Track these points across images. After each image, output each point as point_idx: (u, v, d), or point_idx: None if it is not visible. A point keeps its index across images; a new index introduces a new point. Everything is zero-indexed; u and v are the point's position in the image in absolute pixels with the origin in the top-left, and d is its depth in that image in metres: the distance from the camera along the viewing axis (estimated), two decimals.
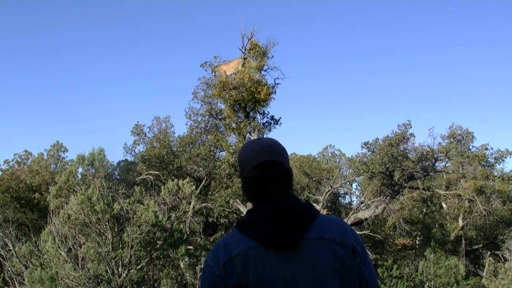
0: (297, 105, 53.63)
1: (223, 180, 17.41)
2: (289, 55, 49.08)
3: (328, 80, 59.40)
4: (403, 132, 17.59)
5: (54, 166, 25.04)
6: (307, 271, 1.65)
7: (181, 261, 12.26)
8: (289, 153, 2.07)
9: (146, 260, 10.71)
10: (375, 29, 60.76)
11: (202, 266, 1.83)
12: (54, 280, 9.61)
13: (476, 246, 24.65)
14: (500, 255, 20.94)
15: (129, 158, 23.42)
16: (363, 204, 19.89)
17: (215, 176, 17.91)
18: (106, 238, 10.12)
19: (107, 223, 10.04)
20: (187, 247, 12.21)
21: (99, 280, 9.79)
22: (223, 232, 18.91)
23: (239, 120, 17.01)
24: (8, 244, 11.75)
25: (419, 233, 25.45)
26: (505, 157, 20.89)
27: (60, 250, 9.96)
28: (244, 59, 16.71)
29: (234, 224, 2.28)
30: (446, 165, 19.47)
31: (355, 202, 26.00)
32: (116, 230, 10.22)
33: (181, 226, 11.93)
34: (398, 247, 24.65)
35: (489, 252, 23.06)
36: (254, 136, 16.31)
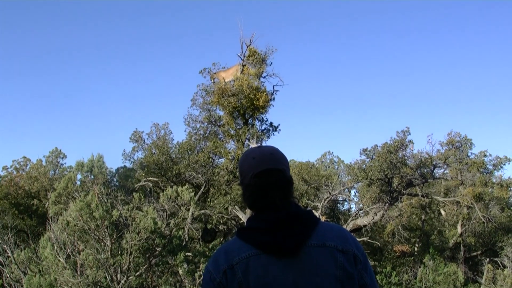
0: (295, 111, 53.63)
1: (222, 186, 17.41)
2: (288, 61, 49.18)
3: (326, 87, 59.59)
4: (401, 139, 17.63)
5: (53, 172, 24.97)
6: (308, 279, 1.64)
7: (179, 268, 12.23)
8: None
9: (145, 267, 10.68)
10: (373, 36, 61.12)
11: (203, 273, 1.83)
12: (53, 287, 9.59)
13: (475, 253, 24.56)
14: (499, 261, 20.92)
15: (128, 164, 23.50)
16: (361, 211, 19.84)
17: (213, 182, 17.91)
18: (105, 244, 10.10)
19: (106, 230, 10.03)
20: (186, 254, 12.18)
21: (98, 287, 9.77)
22: (221, 239, 18.88)
23: (238, 127, 17.03)
24: (7, 250, 11.71)
25: (418, 240, 25.40)
26: (504, 164, 21.04)
27: (59, 256, 9.93)
28: (243, 66, 16.78)
29: (235, 231, 2.29)
30: (445, 172, 19.52)
31: (353, 209, 25.91)
32: (115, 236, 10.20)
33: (180, 232, 11.91)
34: (397, 254, 24.55)
35: (488, 259, 22.97)
36: (252, 143, 16.34)
